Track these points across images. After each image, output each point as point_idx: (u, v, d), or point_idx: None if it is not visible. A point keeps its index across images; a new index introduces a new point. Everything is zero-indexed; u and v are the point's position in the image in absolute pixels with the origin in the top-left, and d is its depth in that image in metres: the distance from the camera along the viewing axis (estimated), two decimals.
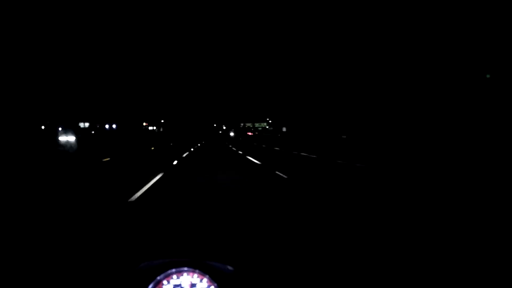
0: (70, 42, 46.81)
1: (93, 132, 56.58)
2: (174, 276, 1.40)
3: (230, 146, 33.24)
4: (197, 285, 1.39)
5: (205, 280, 1.38)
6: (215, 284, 1.35)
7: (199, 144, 37.13)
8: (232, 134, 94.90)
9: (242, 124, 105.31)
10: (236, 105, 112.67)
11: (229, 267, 1.41)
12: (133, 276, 1.38)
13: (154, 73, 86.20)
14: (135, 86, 74.95)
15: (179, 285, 1.39)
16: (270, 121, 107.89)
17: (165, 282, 1.39)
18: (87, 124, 63.00)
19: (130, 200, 6.14)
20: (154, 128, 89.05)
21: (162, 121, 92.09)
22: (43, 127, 41.68)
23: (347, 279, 1.90)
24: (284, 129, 59.43)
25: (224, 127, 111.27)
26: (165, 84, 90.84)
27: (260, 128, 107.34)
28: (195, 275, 1.39)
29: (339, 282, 1.75)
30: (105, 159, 15.80)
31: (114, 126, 70.87)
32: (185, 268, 1.39)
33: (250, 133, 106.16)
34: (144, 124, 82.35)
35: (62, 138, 28.02)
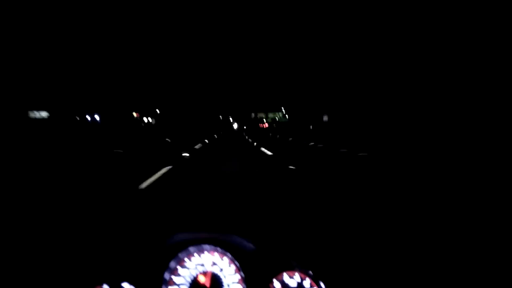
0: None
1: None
2: (196, 254, 1.41)
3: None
4: (218, 264, 1.40)
5: (226, 258, 1.39)
6: (236, 263, 1.36)
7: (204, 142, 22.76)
8: (235, 126, 78.90)
9: (253, 114, 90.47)
10: (245, 93, 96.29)
11: (251, 245, 1.43)
12: (155, 252, 1.40)
13: (148, 54, 69.19)
14: (123, 68, 58.55)
15: (201, 263, 1.40)
16: (284, 111, 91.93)
17: (186, 260, 1.40)
18: (43, 114, 46.19)
19: None
20: (150, 119, 72.96)
21: (158, 111, 75.91)
22: None
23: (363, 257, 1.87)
24: (325, 118, 44.04)
25: (231, 119, 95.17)
26: (161, 67, 74.35)
27: (272, 119, 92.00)
28: (216, 254, 1.41)
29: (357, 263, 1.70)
30: None
31: (97, 117, 55.70)
32: (207, 246, 1.40)
33: (264, 125, 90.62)
34: (135, 114, 66.56)
35: None
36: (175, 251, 1.40)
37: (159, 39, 76.04)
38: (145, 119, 71.85)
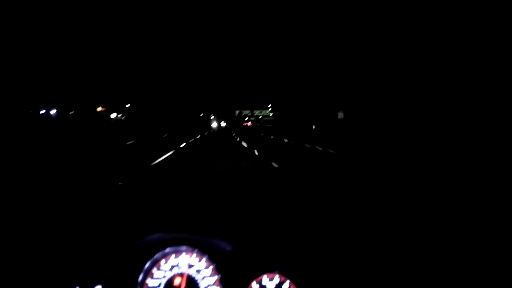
0: None
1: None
2: (172, 256, 1.37)
3: None
4: (195, 265, 1.36)
5: (203, 260, 1.36)
6: (214, 264, 1.33)
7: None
8: (214, 125, 68.30)
9: (237, 112, 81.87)
10: (230, 89, 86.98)
11: (228, 247, 1.40)
12: (130, 253, 1.36)
13: (116, 40, 58.29)
14: (90, 58, 48.33)
15: (177, 264, 1.36)
16: (270, 108, 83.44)
17: (162, 261, 1.37)
18: None
19: None
20: (118, 115, 62.65)
21: (128, 105, 65.47)
22: None
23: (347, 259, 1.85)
24: (340, 115, 35.08)
25: (212, 117, 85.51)
26: (133, 55, 63.78)
27: (260, 117, 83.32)
28: (194, 255, 1.37)
29: (340, 263, 1.68)
30: None
31: (53, 112, 45.82)
32: (184, 247, 1.37)
33: (248, 123, 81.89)
34: (99, 109, 56.28)
35: None
36: (151, 252, 1.36)
37: (128, 23, 65.52)
38: (113, 115, 61.41)
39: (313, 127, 40.50)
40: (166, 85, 74.31)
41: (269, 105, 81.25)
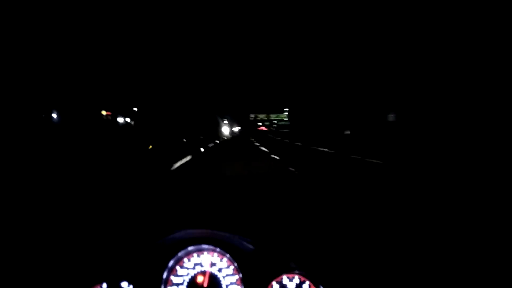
0: None
1: None
2: (195, 254, 1.41)
3: None
4: (217, 264, 1.39)
5: (225, 259, 1.39)
6: (235, 264, 1.35)
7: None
8: (226, 131, 60.29)
9: (252, 116, 76.62)
10: (245, 92, 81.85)
11: (250, 246, 1.41)
12: (155, 251, 1.39)
13: (124, 41, 53.40)
14: (96, 60, 43.66)
15: (199, 263, 1.40)
16: (287, 112, 78.12)
17: (185, 259, 1.40)
18: None
19: None
20: (127, 119, 57.89)
21: (136, 109, 60.63)
22: None
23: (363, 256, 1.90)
24: (391, 118, 29.24)
25: (226, 121, 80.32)
26: (140, 57, 58.90)
27: (274, 122, 77.77)
28: (215, 254, 1.40)
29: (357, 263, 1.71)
30: None
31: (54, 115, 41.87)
32: (206, 246, 1.40)
33: (263, 128, 76.62)
34: (104, 113, 51.47)
35: None
36: (175, 250, 1.39)
37: (138, 24, 60.83)
38: (120, 119, 56.59)
39: (347, 132, 34.92)
40: (176, 87, 69.38)
41: (286, 109, 75.96)
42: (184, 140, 28.58)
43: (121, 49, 51.34)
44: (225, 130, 62.17)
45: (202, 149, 18.17)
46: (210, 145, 22.74)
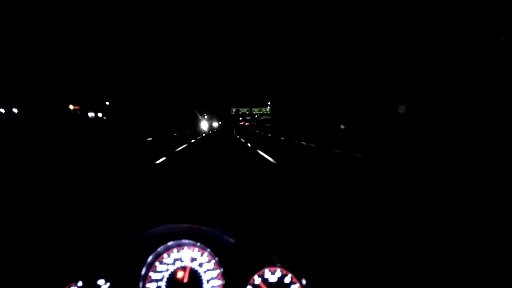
0: None
1: None
2: (175, 250, 1.38)
3: None
4: (197, 259, 1.37)
5: (206, 254, 1.37)
6: (216, 258, 1.33)
7: None
8: (204, 127, 55.47)
9: (233, 110, 72.89)
10: (225, 84, 78.10)
11: (231, 240, 1.40)
12: (133, 246, 1.36)
13: (91, 30, 48.31)
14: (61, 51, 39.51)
15: (179, 258, 1.37)
16: (270, 106, 75.17)
17: (165, 255, 1.37)
18: None
19: None
20: (98, 114, 53.27)
21: (107, 103, 55.91)
22: None
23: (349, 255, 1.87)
24: (401, 110, 25.63)
25: (206, 116, 76.28)
26: (113, 49, 53.62)
27: (256, 116, 74.41)
28: (196, 249, 1.37)
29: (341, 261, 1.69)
30: None
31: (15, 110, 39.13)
32: (186, 241, 1.37)
33: (244, 123, 73.26)
34: (72, 107, 46.85)
35: None
36: (154, 246, 1.35)
37: (109, 13, 55.71)
38: (91, 114, 51.91)
39: (342, 126, 31.87)
40: (152, 80, 64.66)
41: (269, 103, 72.64)
42: (150, 138, 24.93)
43: (91, 40, 46.51)
44: (204, 125, 58.23)
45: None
46: (182, 147, 17.34)
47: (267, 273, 1.31)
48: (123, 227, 1.56)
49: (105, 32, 51.09)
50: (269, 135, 33.35)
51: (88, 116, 50.59)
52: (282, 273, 1.31)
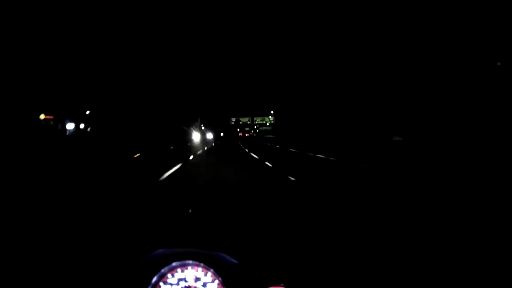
0: None
1: None
2: (179, 270, 1.39)
3: None
4: (201, 279, 1.37)
5: (209, 274, 1.37)
6: (220, 278, 1.34)
7: None
8: (195, 138, 48.17)
9: (233, 120, 65.62)
10: (227, 94, 71.05)
11: (234, 260, 1.40)
12: (137, 267, 1.37)
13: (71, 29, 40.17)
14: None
15: (183, 278, 1.38)
16: (272, 116, 68.25)
17: (169, 275, 1.38)
18: None
19: None
20: (81, 125, 45.07)
21: (88, 112, 47.63)
22: None
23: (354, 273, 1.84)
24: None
25: (203, 127, 68.59)
26: (96, 51, 45.11)
27: (255, 127, 67.23)
28: (200, 269, 1.38)
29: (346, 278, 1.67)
30: None
31: None
32: (190, 262, 1.38)
33: (244, 134, 66.00)
34: (42, 117, 38.75)
35: None
36: (158, 267, 1.36)
37: (93, 12, 47.38)
38: (70, 125, 43.59)
39: (396, 138, 24.59)
40: (142, 89, 56.57)
41: (272, 112, 65.92)
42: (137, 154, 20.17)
43: (70, 42, 38.48)
44: (196, 137, 51.24)
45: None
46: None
47: None
48: (128, 249, 1.56)
49: (94, 31, 43.02)
50: (278, 146, 30.57)
51: (66, 128, 42.29)
52: None
